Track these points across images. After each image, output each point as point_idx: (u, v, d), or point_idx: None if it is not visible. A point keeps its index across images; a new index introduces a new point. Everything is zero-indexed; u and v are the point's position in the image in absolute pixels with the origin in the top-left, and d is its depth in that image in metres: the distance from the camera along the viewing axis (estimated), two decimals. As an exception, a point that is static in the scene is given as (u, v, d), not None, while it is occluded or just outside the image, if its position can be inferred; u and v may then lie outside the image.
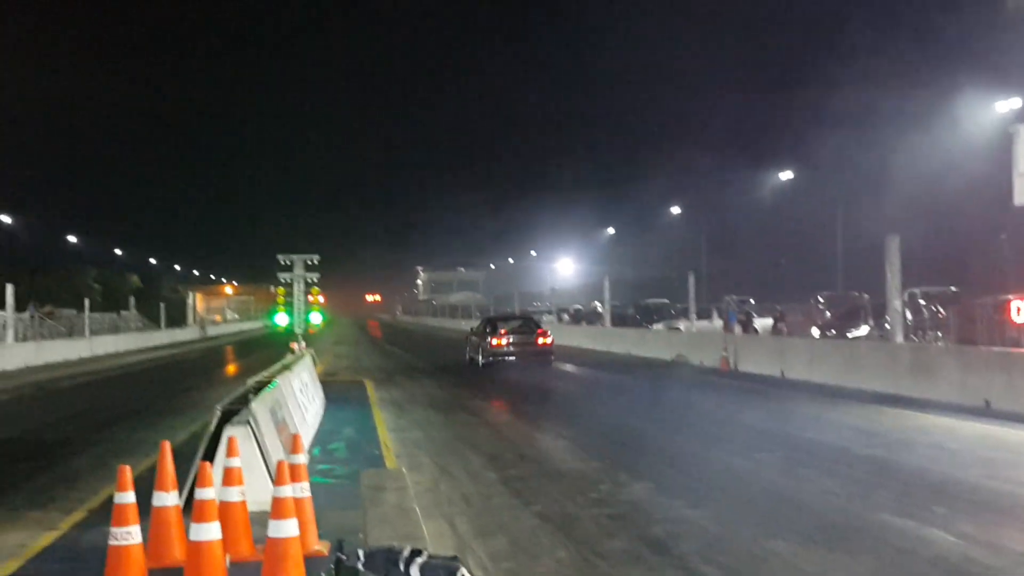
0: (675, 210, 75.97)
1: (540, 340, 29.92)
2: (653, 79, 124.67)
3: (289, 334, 24.77)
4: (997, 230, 42.79)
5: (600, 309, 45.45)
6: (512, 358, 29.13)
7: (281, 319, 24.57)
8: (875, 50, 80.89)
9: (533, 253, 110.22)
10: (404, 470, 10.90)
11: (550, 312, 59.57)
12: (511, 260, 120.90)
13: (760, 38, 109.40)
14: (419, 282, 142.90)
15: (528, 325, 31.85)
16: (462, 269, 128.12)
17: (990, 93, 40.39)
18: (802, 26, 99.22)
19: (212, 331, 78.34)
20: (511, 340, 29.48)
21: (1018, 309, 16.58)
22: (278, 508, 6.25)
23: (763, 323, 36.92)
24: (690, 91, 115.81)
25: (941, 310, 29.72)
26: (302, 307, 24.37)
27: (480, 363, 29.47)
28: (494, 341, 29.35)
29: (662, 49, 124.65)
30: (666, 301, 50.80)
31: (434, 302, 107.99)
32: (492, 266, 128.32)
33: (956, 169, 45.41)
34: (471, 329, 34.36)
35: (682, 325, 37.82)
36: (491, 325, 30.75)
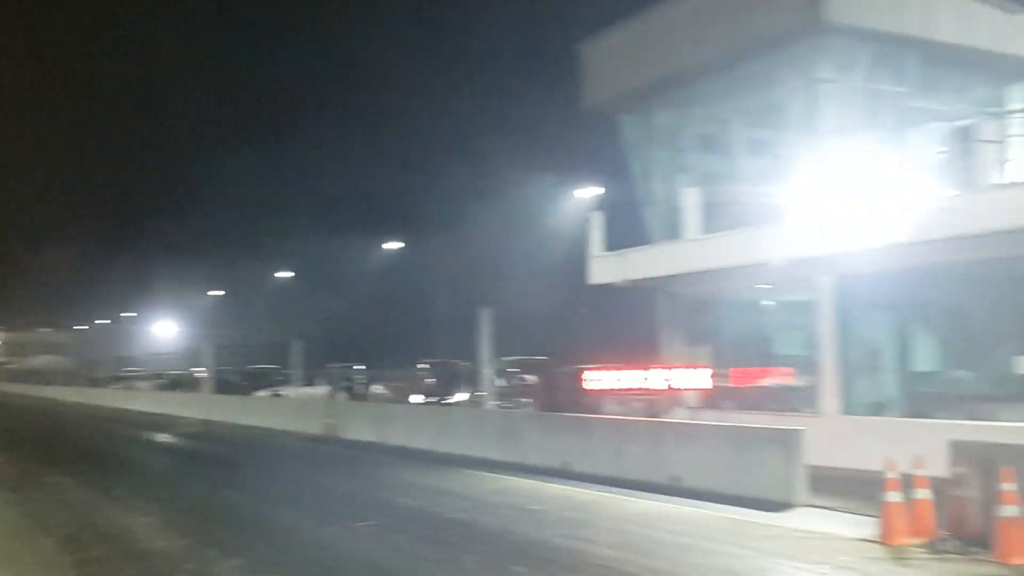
0: (285, 274, 75.32)
1: None
2: (268, 146, 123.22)
3: None
4: (580, 305, 47.21)
5: (200, 375, 43.50)
6: None
7: None
8: (479, 136, 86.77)
9: (132, 314, 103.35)
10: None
11: (144, 378, 56.17)
12: (107, 321, 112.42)
13: (373, 115, 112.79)
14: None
15: None
16: (45, 330, 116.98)
17: (579, 180, 44.73)
18: (416, 115, 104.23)
19: None
20: None
21: (590, 378, 18.25)
22: None
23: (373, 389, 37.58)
24: (304, 160, 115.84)
25: (530, 377, 31.99)
26: None
27: None
28: None
29: (271, 116, 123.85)
30: (273, 367, 49.78)
31: (11, 366, 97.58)
32: (82, 327, 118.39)
33: (548, 248, 49.53)
34: None
35: (287, 392, 37.25)
36: None
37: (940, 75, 19.26)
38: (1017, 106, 20.52)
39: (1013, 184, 18.00)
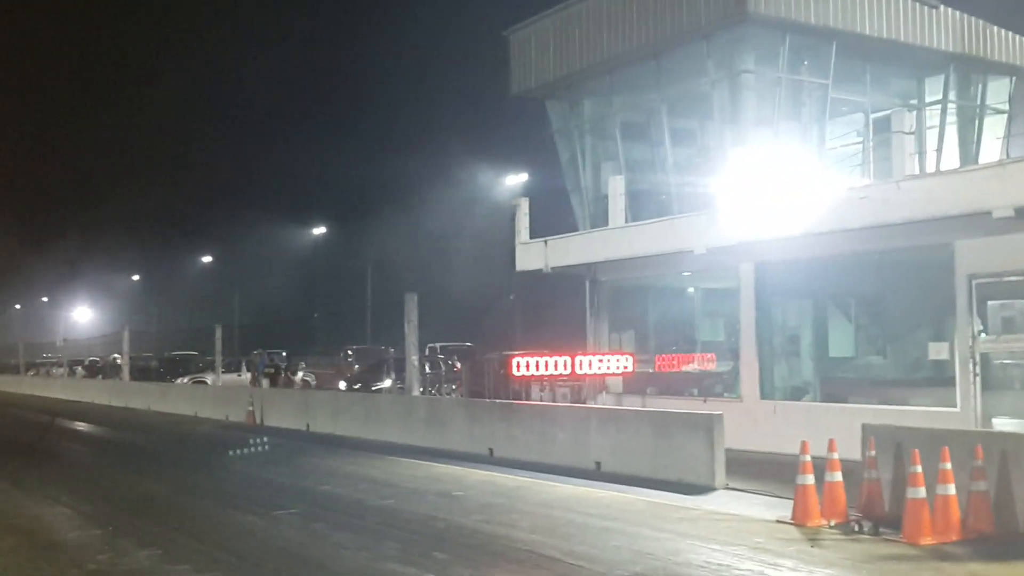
0: (207, 259, 74.01)
1: None
2: (192, 131, 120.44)
3: None
4: (507, 291, 47.32)
5: (119, 362, 42.55)
6: None
7: None
8: (412, 122, 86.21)
9: (45, 299, 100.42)
10: None
11: (60, 365, 54.90)
12: (18, 306, 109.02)
13: (302, 97, 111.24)
14: None
15: None
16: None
17: (511, 167, 44.73)
18: (344, 93, 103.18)
19: None
20: None
21: (517, 364, 18.27)
22: None
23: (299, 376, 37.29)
24: (230, 145, 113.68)
25: (457, 364, 31.98)
26: None
27: None
28: None
29: (203, 102, 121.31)
30: (194, 353, 48.96)
31: None
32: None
33: (479, 234, 49.48)
34: None
35: (209, 379, 36.64)
36: None
37: (860, 67, 19.66)
38: (934, 98, 21.07)
39: (926, 174, 18.50)
